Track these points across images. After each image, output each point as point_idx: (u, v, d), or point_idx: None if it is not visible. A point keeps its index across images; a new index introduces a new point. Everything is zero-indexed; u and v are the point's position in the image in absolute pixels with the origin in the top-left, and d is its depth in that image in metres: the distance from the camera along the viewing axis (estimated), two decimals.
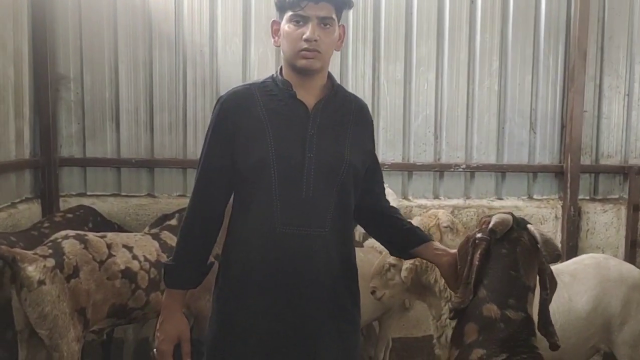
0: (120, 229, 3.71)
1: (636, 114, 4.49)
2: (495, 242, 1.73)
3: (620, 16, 4.39)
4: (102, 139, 4.12)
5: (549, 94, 4.44)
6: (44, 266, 2.57)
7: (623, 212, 4.45)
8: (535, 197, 4.51)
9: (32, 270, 2.54)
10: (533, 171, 4.49)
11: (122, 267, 2.85)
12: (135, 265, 2.90)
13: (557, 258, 1.79)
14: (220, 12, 4.15)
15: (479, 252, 1.70)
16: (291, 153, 1.73)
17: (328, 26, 1.75)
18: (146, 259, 2.96)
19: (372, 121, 1.94)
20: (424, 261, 3.00)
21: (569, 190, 4.37)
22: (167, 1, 4.11)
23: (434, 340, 3.14)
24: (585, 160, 4.46)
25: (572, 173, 4.37)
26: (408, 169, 4.38)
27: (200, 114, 4.17)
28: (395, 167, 4.33)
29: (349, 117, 1.84)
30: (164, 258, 3.02)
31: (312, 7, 1.72)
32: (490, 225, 1.74)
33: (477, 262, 1.70)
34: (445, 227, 3.78)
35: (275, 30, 1.84)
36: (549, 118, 4.45)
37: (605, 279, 3.04)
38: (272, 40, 1.86)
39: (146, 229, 3.71)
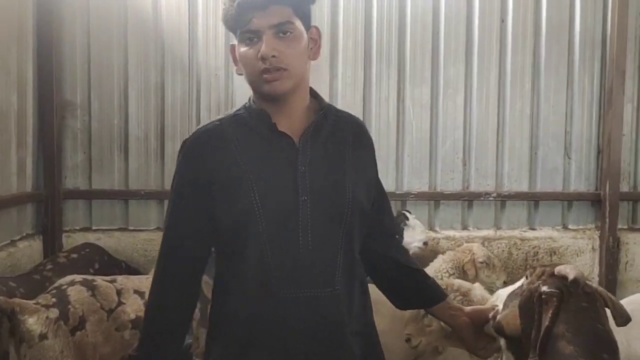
0: (127, 267, 3.45)
1: None
2: (569, 296, 1.51)
3: None
4: (109, 170, 3.87)
5: (585, 116, 4.18)
6: (47, 318, 2.33)
7: None
8: (570, 227, 4.22)
9: (33, 323, 2.29)
10: (568, 199, 4.21)
11: (133, 316, 2.59)
12: None
13: (628, 321, 1.54)
14: None
15: (551, 310, 1.47)
16: (281, 199, 1.41)
17: (288, 33, 1.40)
18: None
19: (372, 142, 1.62)
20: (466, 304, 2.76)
21: (607, 220, 4.09)
22: (180, 23, 3.88)
23: None
24: (624, 187, 4.18)
25: (610, 201, 4.08)
26: (435, 198, 4.11)
27: None
28: (422, 196, 4.06)
29: (345, 143, 1.51)
30: None
31: (260, 17, 1.37)
32: (572, 277, 1.50)
33: (548, 323, 1.46)
34: (481, 262, 3.53)
35: (234, 56, 1.49)
36: (584, 142, 4.19)
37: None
38: (235, 69, 1.51)
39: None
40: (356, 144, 1.54)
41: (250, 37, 1.39)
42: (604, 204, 4.11)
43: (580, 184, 4.21)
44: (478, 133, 4.11)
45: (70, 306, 2.40)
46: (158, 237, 3.74)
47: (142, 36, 3.87)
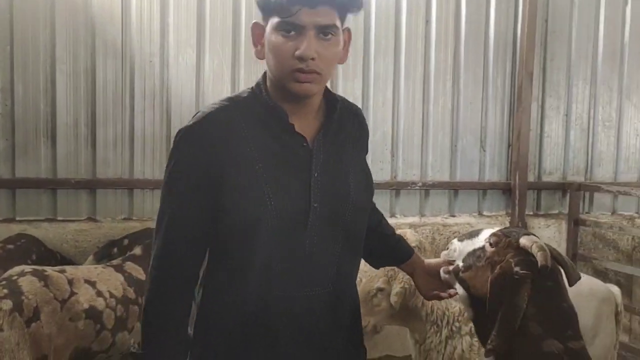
0: (62, 258, 3.29)
1: (574, 134, 4.73)
2: (538, 275, 1.58)
3: (561, 39, 4.62)
4: (35, 157, 3.62)
5: (497, 113, 4.57)
6: (0, 309, 2.19)
7: (564, 226, 4.65)
8: (485, 213, 4.60)
9: None
10: (483, 188, 4.58)
11: (86, 305, 2.52)
12: (100, 303, 2.57)
13: (578, 279, 1.70)
14: (172, 20, 3.83)
15: (525, 292, 1.54)
16: (294, 206, 1.38)
17: (330, 36, 1.35)
18: (112, 295, 2.64)
19: (368, 128, 1.63)
20: (412, 284, 2.94)
21: (516, 207, 4.50)
22: (113, 3, 3.72)
23: None
24: (530, 177, 4.62)
25: (519, 190, 4.50)
26: None
27: (149, 128, 3.81)
28: None
29: (349, 138, 1.52)
30: (131, 293, 2.72)
31: (308, 13, 1.30)
32: (541, 262, 1.57)
33: (524, 304, 1.54)
34: (414, 246, 3.74)
35: (257, 36, 1.42)
36: (497, 136, 4.57)
37: (577, 294, 3.11)
38: (254, 49, 1.43)
39: (91, 257, 3.36)
40: (357, 136, 1.56)
41: (289, 29, 1.33)
42: (513, 192, 4.52)
43: (493, 174, 4.59)
44: (405, 126, 4.35)
45: (23, 297, 2.28)
46: (89, 227, 3.68)
47: (72, 15, 3.65)
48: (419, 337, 3.01)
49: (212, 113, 1.40)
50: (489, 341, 1.61)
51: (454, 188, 4.50)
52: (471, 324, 2.93)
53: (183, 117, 3.86)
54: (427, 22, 4.36)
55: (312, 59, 1.32)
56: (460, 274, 1.70)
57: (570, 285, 1.66)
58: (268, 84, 1.44)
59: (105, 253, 3.31)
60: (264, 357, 1.43)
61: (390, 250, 1.79)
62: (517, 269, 1.56)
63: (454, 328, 2.95)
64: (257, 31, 1.42)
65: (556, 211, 4.75)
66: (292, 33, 1.33)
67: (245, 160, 1.37)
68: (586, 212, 4.77)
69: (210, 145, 1.36)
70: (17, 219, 3.61)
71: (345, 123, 1.52)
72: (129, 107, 3.79)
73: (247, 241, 1.38)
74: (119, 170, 3.78)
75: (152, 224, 3.76)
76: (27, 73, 3.61)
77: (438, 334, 2.98)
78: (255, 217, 1.36)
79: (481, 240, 1.70)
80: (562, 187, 4.71)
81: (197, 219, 1.39)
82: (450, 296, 1.79)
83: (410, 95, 4.36)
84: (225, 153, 1.36)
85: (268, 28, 1.37)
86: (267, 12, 1.38)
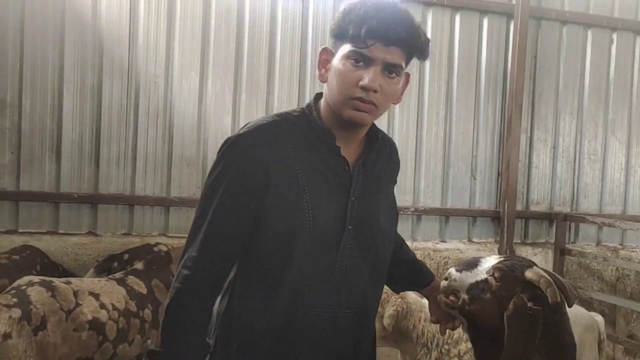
0: (64, 270, 3.36)
1: (560, 165, 4.90)
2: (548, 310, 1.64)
3: (549, 75, 4.82)
4: (39, 171, 3.72)
5: (487, 143, 4.72)
6: (9, 317, 2.27)
7: (550, 255, 4.79)
8: (474, 240, 4.72)
9: None
10: (473, 215, 4.71)
11: (90, 317, 2.60)
12: (103, 315, 2.65)
13: (574, 301, 1.76)
14: (177, 44, 3.98)
15: (540, 326, 1.59)
16: (330, 226, 1.45)
17: (393, 75, 1.43)
18: (114, 308, 2.72)
19: (399, 160, 1.73)
20: (405, 307, 3.04)
21: (505, 235, 4.64)
22: (121, 25, 3.85)
23: None
24: (519, 206, 4.76)
25: (508, 218, 4.64)
26: None
27: (152, 147, 3.92)
28: None
29: (383, 170, 1.60)
30: (132, 306, 2.81)
31: (380, 49, 1.39)
32: (552, 298, 1.61)
33: (537, 338, 1.58)
34: None
35: (323, 60, 1.49)
36: (487, 165, 4.72)
37: None
38: (318, 72, 1.51)
39: (91, 271, 3.43)
40: (390, 168, 1.65)
41: (359, 59, 1.41)
42: (502, 220, 4.66)
43: (483, 202, 4.73)
44: (399, 153, 4.47)
45: (32, 306, 2.36)
46: (90, 241, 3.76)
47: (80, 36, 3.79)
48: (410, 358, 3.10)
49: (262, 125, 1.47)
50: None
51: (445, 214, 4.63)
52: (460, 347, 3.04)
53: (185, 136, 3.98)
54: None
55: (375, 91, 1.41)
56: (466, 308, 1.69)
57: (569, 306, 1.70)
58: (322, 106, 1.52)
59: (106, 267, 3.38)
60: None
61: (413, 274, 1.82)
62: (530, 304, 1.59)
63: (443, 350, 3.04)
64: (325, 56, 1.49)
65: (543, 240, 4.89)
66: (361, 64, 1.41)
67: (290, 174, 1.43)
68: (572, 242, 4.90)
69: (258, 154, 1.42)
70: (20, 230, 3.69)
71: (382, 154, 1.61)
72: (132, 126, 3.91)
73: (281, 253, 1.43)
74: (120, 186, 3.88)
75: (152, 240, 3.86)
76: (35, 90, 3.72)
77: (428, 356, 3.07)
78: (293, 229, 1.41)
79: (482, 272, 1.69)
80: (549, 217, 4.85)
81: (237, 227, 1.42)
82: (455, 328, 1.81)
83: (404, 124, 4.51)
84: (271, 164, 1.42)
85: (338, 55, 1.45)
86: (340, 39, 1.45)
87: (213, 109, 4.04)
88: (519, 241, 4.80)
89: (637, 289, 4.89)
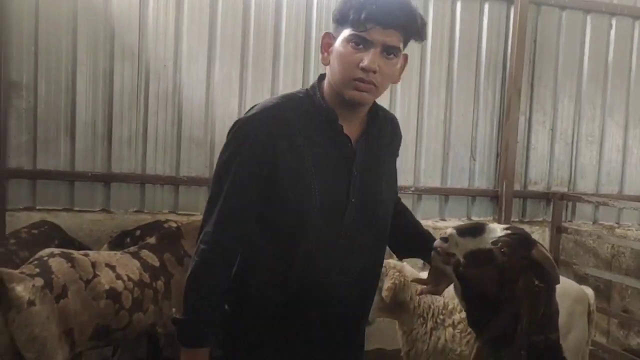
0: (80, 245, 3.54)
1: (559, 147, 5.02)
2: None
3: (548, 59, 4.92)
4: (55, 151, 3.90)
5: (487, 125, 4.85)
6: (33, 286, 2.45)
7: (547, 233, 4.93)
8: (473, 218, 4.86)
9: (22, 290, 2.41)
10: (472, 195, 4.85)
11: (107, 287, 2.77)
12: (119, 285, 2.82)
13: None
14: (186, 29, 4.12)
15: (544, 303, 1.70)
16: (335, 200, 1.57)
17: (392, 56, 1.52)
18: (129, 279, 2.89)
19: (401, 134, 1.82)
20: (402, 279, 3.19)
21: (503, 214, 4.78)
22: (131, 11, 4.00)
23: (402, 354, 3.32)
24: (516, 186, 4.90)
25: (506, 198, 4.78)
26: None
27: (162, 128, 4.09)
28: None
29: (385, 146, 1.70)
30: (146, 277, 2.97)
31: (379, 32, 1.48)
32: (555, 279, 1.73)
33: (540, 314, 1.70)
34: None
35: (326, 44, 1.58)
36: (486, 147, 4.86)
37: None
38: (321, 55, 1.61)
39: (105, 246, 3.60)
40: (392, 142, 1.75)
41: (359, 42, 1.49)
42: (500, 200, 4.80)
43: (482, 182, 4.87)
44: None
45: (53, 276, 2.53)
46: (104, 218, 3.96)
47: (92, 21, 3.94)
48: (407, 328, 3.26)
49: (269, 107, 1.56)
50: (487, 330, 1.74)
51: (444, 194, 4.78)
52: (454, 317, 3.21)
53: (193, 118, 4.14)
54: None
55: (374, 72, 1.49)
56: (461, 269, 1.72)
57: (557, 284, 1.81)
58: (325, 87, 1.61)
59: (119, 242, 3.55)
60: (299, 337, 1.60)
61: (413, 239, 1.89)
62: (537, 282, 1.69)
63: (438, 320, 3.20)
64: (327, 40, 1.59)
65: (540, 219, 5.03)
66: (361, 46, 1.50)
67: (296, 151, 1.52)
68: (568, 221, 5.05)
69: (267, 136, 1.51)
70: (37, 207, 3.88)
71: (385, 130, 1.71)
72: (143, 108, 4.07)
73: (291, 226, 1.54)
74: (132, 165, 4.06)
75: (162, 217, 4.01)
76: (50, 73, 3.89)
77: (424, 326, 3.23)
78: (302, 203, 1.52)
79: (487, 241, 1.70)
80: (546, 197, 4.99)
81: (249, 203, 1.53)
82: (439, 293, 1.91)
83: (406, 107, 4.64)
84: (280, 145, 1.51)
85: (339, 38, 1.54)
86: (341, 24, 1.54)
87: (220, 92, 4.18)
88: (517, 220, 4.94)
89: (632, 266, 5.04)
